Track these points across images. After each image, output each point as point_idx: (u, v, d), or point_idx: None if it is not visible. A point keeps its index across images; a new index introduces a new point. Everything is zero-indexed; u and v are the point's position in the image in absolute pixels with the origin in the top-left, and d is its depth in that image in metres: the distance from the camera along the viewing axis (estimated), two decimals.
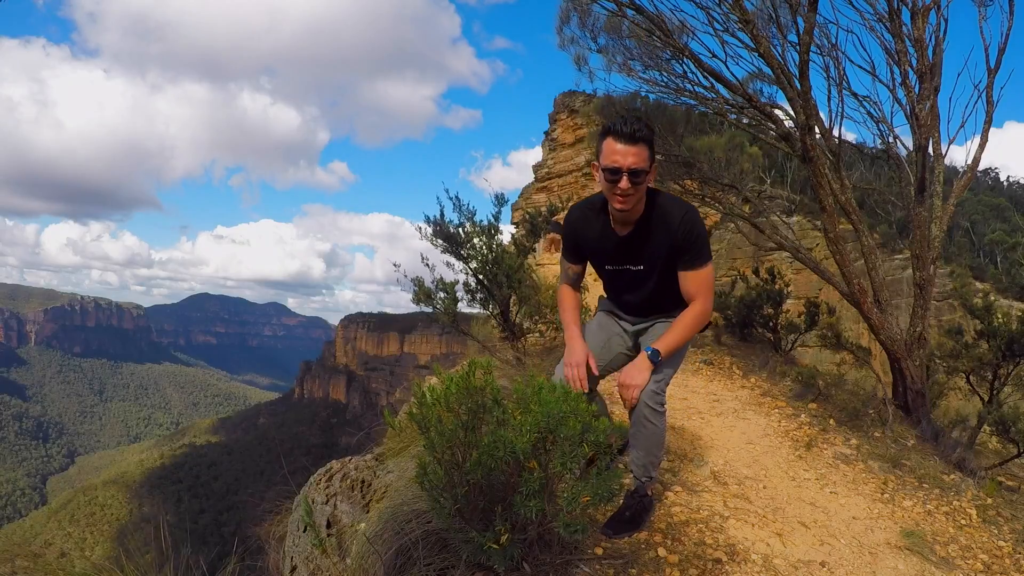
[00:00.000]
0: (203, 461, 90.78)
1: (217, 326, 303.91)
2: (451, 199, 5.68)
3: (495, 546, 1.65)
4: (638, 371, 2.26)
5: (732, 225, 17.28)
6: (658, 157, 7.34)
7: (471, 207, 5.68)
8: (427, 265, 5.73)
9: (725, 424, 4.43)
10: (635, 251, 2.34)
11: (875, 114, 5.39)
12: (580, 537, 2.00)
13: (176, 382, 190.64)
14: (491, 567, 1.74)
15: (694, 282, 2.28)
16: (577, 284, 2.53)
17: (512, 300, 5.95)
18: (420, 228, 5.68)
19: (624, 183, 2.12)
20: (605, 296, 2.69)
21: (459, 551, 1.78)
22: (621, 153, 2.10)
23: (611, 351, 2.56)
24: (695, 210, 2.28)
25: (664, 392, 2.34)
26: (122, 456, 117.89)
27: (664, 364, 2.32)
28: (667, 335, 2.29)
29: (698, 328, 2.32)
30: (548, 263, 20.14)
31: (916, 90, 5.01)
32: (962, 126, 4.98)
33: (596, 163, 2.25)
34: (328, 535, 2.40)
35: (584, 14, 6.08)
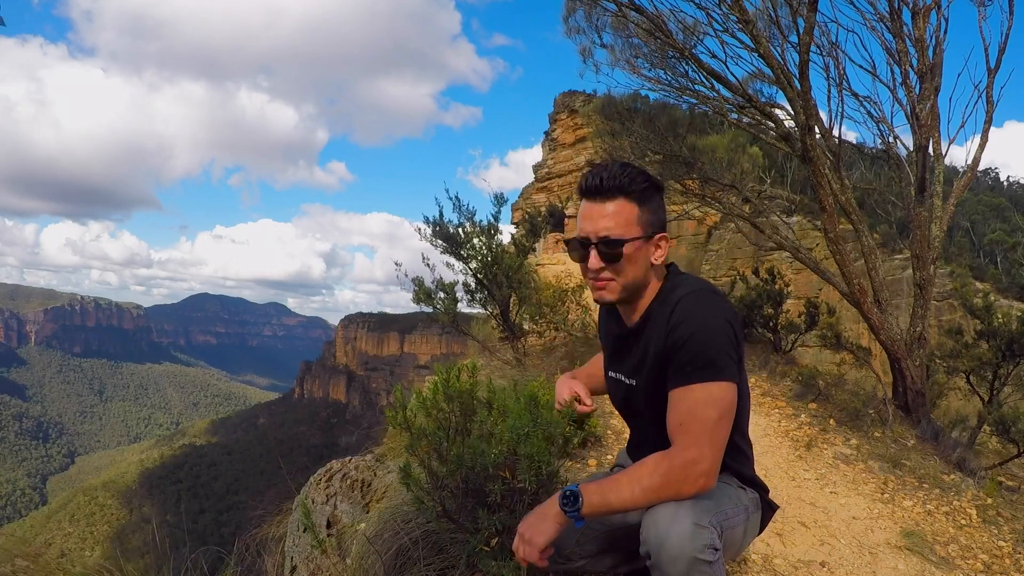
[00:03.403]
0: (203, 461, 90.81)
1: (217, 326, 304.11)
2: (450, 199, 5.68)
3: (485, 548, 1.65)
4: (538, 519, 1.39)
5: (732, 225, 17.29)
6: (657, 156, 7.35)
7: (471, 207, 5.69)
8: (427, 265, 5.75)
9: None
10: (630, 354, 1.55)
11: (875, 114, 5.40)
12: None
13: (176, 382, 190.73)
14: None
15: (677, 408, 1.36)
16: None
17: (512, 300, 5.96)
18: (419, 228, 5.69)
19: (594, 260, 1.43)
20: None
21: (457, 552, 1.78)
22: (590, 215, 1.43)
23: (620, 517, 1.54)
24: (703, 292, 1.43)
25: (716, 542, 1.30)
26: (122, 456, 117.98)
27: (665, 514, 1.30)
28: (608, 480, 1.37)
29: (665, 489, 1.31)
30: (548, 263, 20.15)
31: (916, 90, 5.01)
32: (962, 126, 5.00)
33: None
34: (328, 535, 2.40)
35: (590, 8, 6.10)
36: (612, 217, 1.41)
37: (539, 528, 1.37)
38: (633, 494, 1.33)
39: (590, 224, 1.43)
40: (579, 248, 1.46)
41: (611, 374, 1.64)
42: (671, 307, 1.42)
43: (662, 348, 1.41)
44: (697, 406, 1.33)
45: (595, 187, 1.43)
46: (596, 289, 1.48)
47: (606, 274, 1.45)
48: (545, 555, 1.38)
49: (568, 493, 1.36)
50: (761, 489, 1.61)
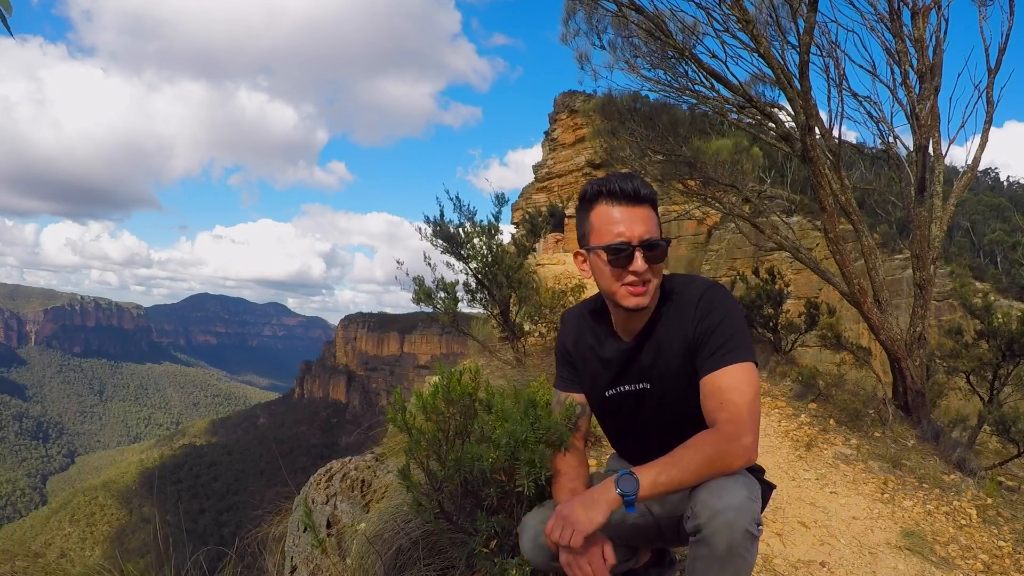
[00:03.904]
0: (203, 461, 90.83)
1: (217, 326, 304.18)
2: (451, 199, 5.68)
3: (484, 550, 1.65)
4: (587, 503, 1.35)
5: (732, 225, 17.30)
6: (658, 156, 7.36)
7: (471, 207, 5.68)
8: (428, 264, 5.74)
9: None
10: (641, 363, 1.56)
11: (875, 114, 5.40)
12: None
13: (176, 382, 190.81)
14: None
15: (716, 389, 1.40)
16: (580, 434, 1.71)
17: (512, 300, 5.95)
18: (420, 228, 5.69)
19: (639, 263, 1.43)
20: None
21: (457, 552, 1.78)
22: (625, 220, 1.44)
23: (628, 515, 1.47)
24: (721, 287, 1.54)
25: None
26: (122, 456, 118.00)
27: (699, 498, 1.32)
28: (654, 463, 1.37)
29: (715, 463, 1.33)
30: (548, 263, 20.17)
31: (916, 90, 5.01)
32: (962, 126, 5.00)
33: (582, 252, 1.54)
34: (328, 535, 2.40)
35: (590, 10, 6.10)
36: (649, 221, 1.46)
37: (588, 514, 1.34)
38: (685, 472, 1.34)
39: (628, 228, 1.44)
40: (618, 252, 1.44)
41: (612, 392, 1.61)
42: (694, 301, 1.49)
43: (690, 338, 1.47)
44: (737, 385, 1.39)
45: (633, 192, 1.45)
46: (634, 295, 1.46)
47: (650, 277, 1.47)
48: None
49: (625, 475, 1.34)
50: (758, 472, 1.65)
